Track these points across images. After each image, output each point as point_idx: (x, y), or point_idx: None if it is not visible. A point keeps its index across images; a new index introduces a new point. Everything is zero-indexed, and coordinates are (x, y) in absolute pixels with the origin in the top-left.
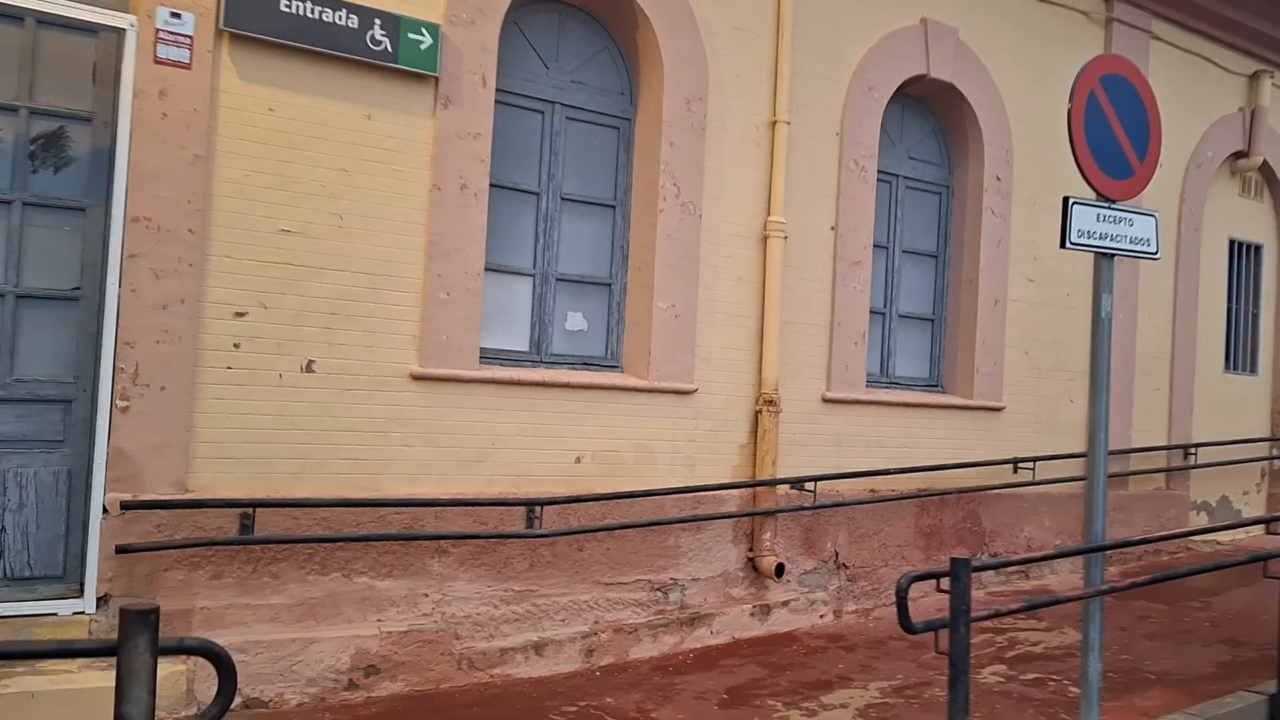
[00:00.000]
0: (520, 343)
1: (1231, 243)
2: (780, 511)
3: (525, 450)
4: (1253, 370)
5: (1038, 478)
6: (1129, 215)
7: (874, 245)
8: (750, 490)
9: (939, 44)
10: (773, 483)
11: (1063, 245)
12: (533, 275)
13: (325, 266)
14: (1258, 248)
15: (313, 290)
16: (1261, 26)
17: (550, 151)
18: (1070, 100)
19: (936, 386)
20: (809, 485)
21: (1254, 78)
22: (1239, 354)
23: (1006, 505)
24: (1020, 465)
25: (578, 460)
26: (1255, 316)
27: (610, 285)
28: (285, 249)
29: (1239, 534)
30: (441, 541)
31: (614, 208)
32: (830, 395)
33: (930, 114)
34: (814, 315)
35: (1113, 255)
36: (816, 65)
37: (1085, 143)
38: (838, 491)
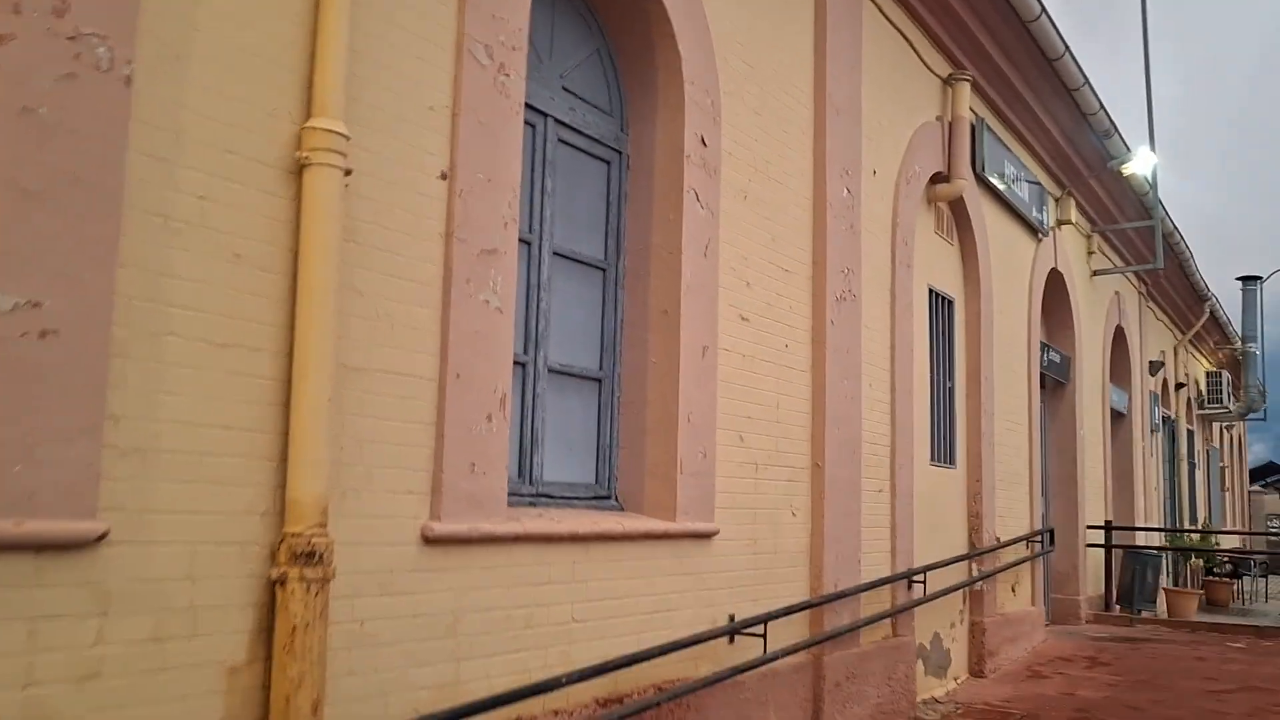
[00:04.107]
0: None
1: (930, 293)
2: None
3: None
4: (950, 461)
5: (768, 647)
6: None
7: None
8: None
9: None
10: None
11: None
12: None
13: None
14: (950, 301)
15: None
16: (964, 14)
17: None
18: None
19: (608, 498)
20: None
21: (949, 81)
22: (939, 439)
23: (724, 702)
24: (742, 632)
25: None
26: (951, 391)
27: None
28: None
29: (949, 683)
30: None
31: None
32: (441, 529)
33: (593, 22)
34: (408, 354)
35: None
36: None
37: None
38: None
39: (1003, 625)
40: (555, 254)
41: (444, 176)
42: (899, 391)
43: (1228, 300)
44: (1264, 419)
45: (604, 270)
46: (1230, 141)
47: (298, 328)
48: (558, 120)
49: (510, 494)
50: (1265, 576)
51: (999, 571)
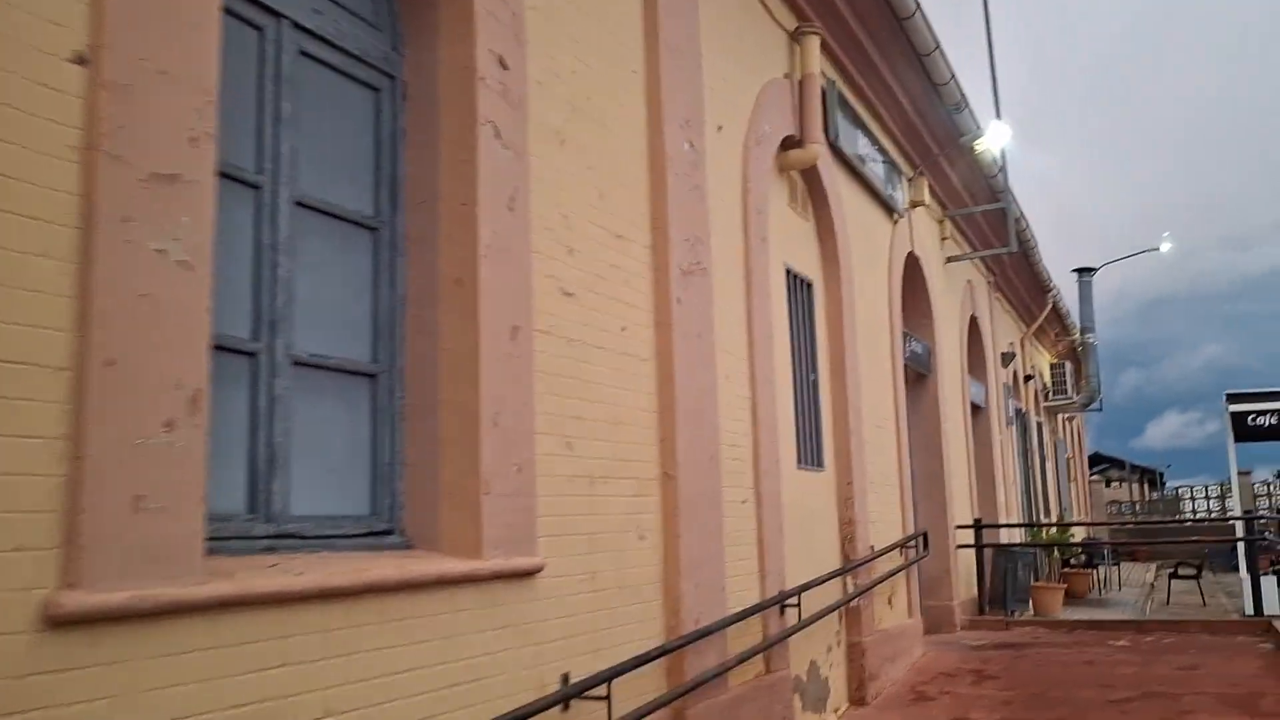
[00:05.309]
0: None
1: (788, 273)
2: None
3: None
4: (819, 463)
5: (614, 711)
6: None
7: (228, 164)
8: None
9: None
10: None
11: None
12: None
13: None
14: (808, 284)
15: None
16: None
17: None
18: None
19: (390, 533)
20: None
21: (796, 36)
22: (806, 439)
23: None
24: (581, 695)
25: None
26: (815, 384)
27: None
28: None
29: (829, 717)
30: None
31: None
32: (80, 602)
33: None
34: (18, 330)
35: None
36: None
37: None
38: None
39: (883, 643)
40: (300, 205)
41: (82, 61)
42: (760, 384)
43: (1064, 292)
44: (1100, 409)
45: (375, 230)
46: (1059, 134)
47: None
48: (298, 26)
49: (233, 538)
50: (1117, 564)
51: (876, 584)
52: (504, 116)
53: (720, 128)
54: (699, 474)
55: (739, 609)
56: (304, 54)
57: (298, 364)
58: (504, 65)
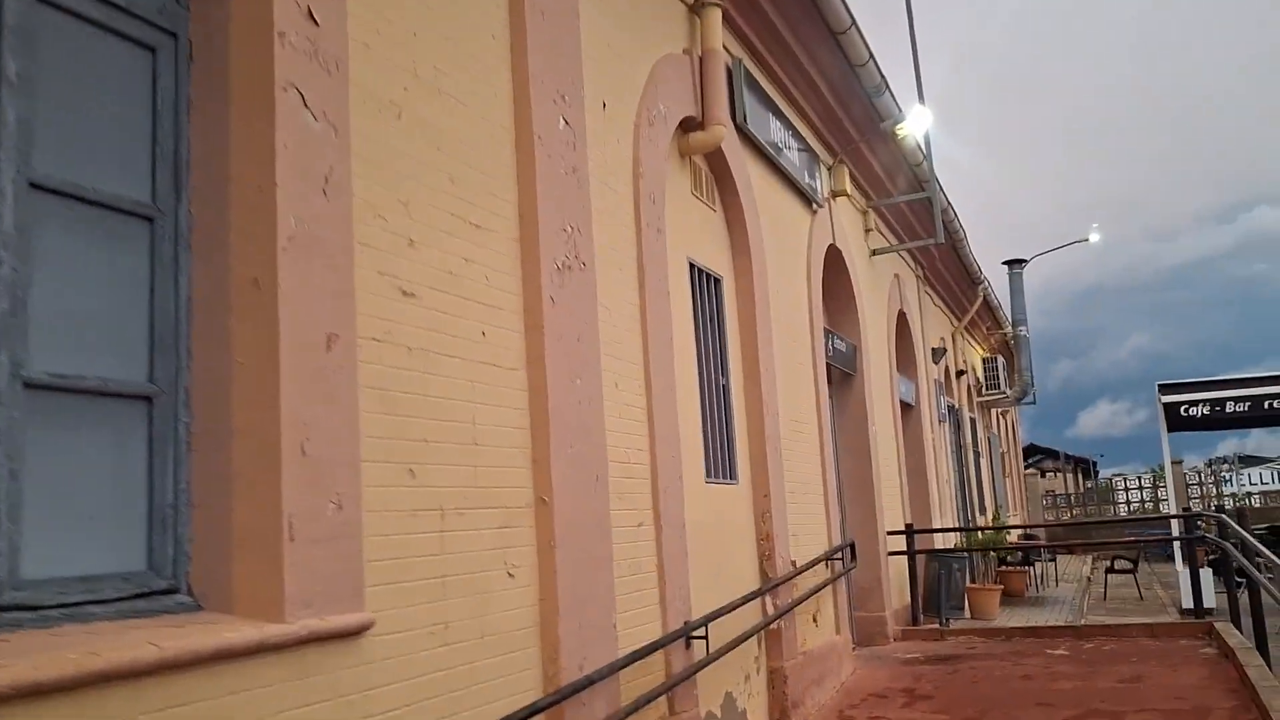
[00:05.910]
0: None
1: (692, 268)
2: None
3: None
4: (732, 475)
5: None
6: None
7: None
8: None
9: None
10: None
11: None
12: None
13: None
14: (717, 280)
15: None
16: None
17: None
18: None
19: (175, 592)
20: None
21: (696, 9)
22: (716, 449)
23: None
24: None
25: None
26: (726, 389)
27: None
28: None
29: None
30: None
31: None
32: None
33: None
34: None
35: None
36: None
37: None
38: None
39: (806, 666)
40: (37, 187)
41: None
42: (658, 392)
43: (994, 285)
44: (1034, 403)
45: (151, 220)
46: (979, 128)
47: None
48: None
49: None
50: (1054, 559)
51: (798, 603)
52: (314, 82)
53: (605, 105)
54: (581, 497)
55: (635, 648)
56: (44, 2)
57: (32, 387)
58: (314, 20)
